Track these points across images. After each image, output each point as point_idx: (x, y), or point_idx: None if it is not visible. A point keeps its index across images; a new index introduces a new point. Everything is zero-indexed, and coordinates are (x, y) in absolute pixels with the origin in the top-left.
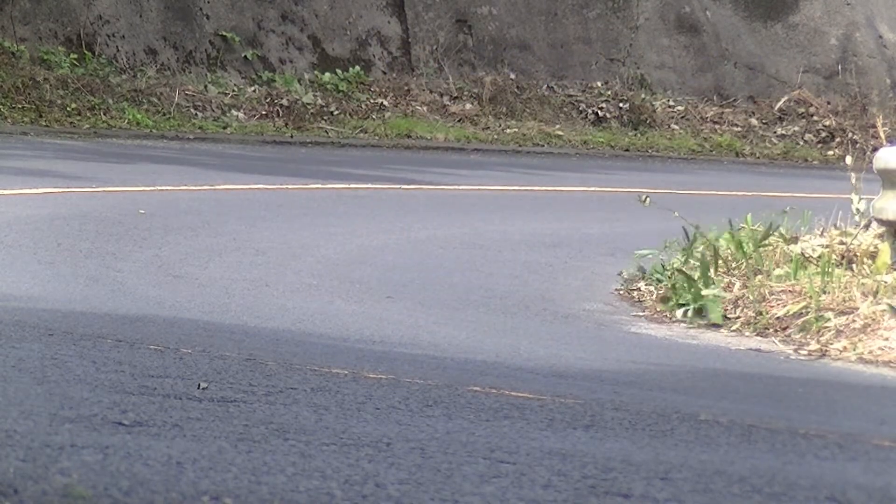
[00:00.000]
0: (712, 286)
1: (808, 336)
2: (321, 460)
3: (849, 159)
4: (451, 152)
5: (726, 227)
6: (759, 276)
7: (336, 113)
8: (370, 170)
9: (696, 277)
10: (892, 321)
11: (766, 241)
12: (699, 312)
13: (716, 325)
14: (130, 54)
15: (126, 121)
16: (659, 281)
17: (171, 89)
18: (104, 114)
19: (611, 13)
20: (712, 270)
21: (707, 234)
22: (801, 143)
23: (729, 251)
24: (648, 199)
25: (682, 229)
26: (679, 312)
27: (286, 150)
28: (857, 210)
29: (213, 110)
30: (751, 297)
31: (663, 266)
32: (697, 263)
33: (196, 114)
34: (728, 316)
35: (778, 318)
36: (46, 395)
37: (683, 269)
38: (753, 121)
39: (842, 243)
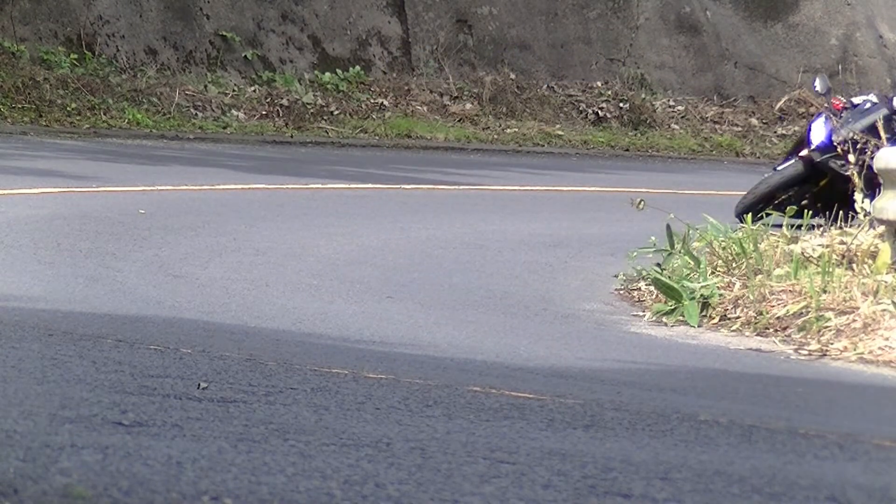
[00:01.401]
0: (696, 283)
1: (808, 336)
2: (321, 460)
3: (851, 158)
4: (451, 152)
5: (719, 227)
6: (759, 276)
7: (336, 113)
8: (370, 170)
9: (675, 283)
10: (892, 321)
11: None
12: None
13: (715, 325)
14: (130, 54)
15: (126, 121)
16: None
17: (171, 89)
18: (104, 114)
19: (611, 13)
20: (707, 268)
21: (703, 233)
22: None
23: (729, 251)
24: (643, 202)
25: (666, 231)
26: (667, 319)
27: (286, 150)
28: (861, 209)
29: (213, 110)
30: (751, 297)
31: (660, 267)
32: (686, 264)
33: (196, 114)
34: (728, 316)
35: (778, 318)
36: (46, 395)
37: (662, 276)
38: (753, 121)
39: (842, 243)
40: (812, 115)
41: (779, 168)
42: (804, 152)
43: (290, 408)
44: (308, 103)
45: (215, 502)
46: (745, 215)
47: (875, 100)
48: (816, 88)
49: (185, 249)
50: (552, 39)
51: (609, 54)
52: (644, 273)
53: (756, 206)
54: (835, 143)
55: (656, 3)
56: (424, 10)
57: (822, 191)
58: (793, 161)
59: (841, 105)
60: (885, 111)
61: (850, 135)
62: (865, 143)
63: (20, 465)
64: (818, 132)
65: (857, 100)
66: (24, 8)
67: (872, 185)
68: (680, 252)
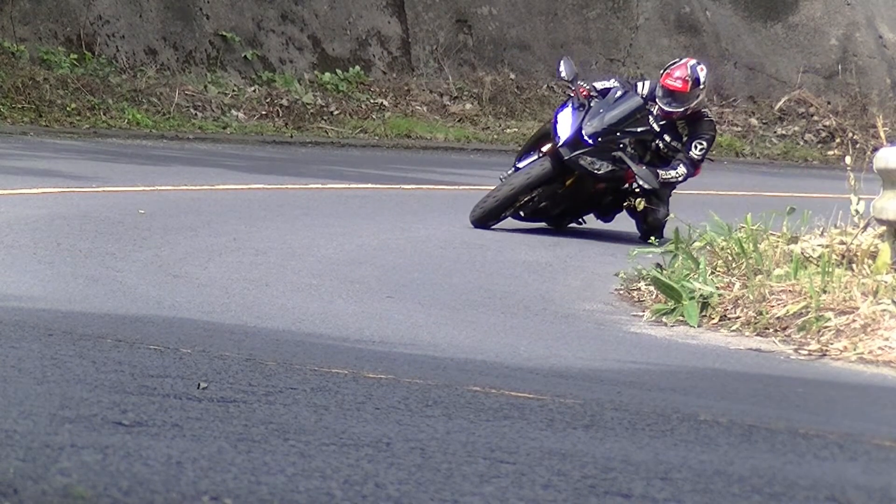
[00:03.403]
0: (696, 283)
1: (808, 336)
2: (321, 460)
3: (848, 159)
4: (451, 152)
5: (721, 226)
6: (759, 276)
7: (336, 113)
8: (370, 170)
9: (675, 284)
10: (892, 321)
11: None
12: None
13: (715, 325)
14: (130, 54)
15: (126, 121)
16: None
17: (170, 89)
18: (104, 114)
19: (611, 13)
20: (707, 268)
21: (703, 234)
22: (801, 143)
23: (729, 251)
24: (643, 202)
25: (674, 234)
26: (667, 319)
27: (286, 150)
28: (856, 211)
29: (213, 110)
30: (751, 297)
31: (660, 267)
32: (686, 264)
33: (196, 114)
34: (728, 316)
35: (778, 318)
36: (46, 395)
37: (662, 276)
38: (753, 121)
39: (842, 243)
40: (811, 115)
41: (521, 166)
42: (547, 147)
43: (290, 408)
44: (308, 103)
45: (215, 502)
46: (484, 221)
47: (618, 85)
48: (562, 74)
49: (185, 249)
50: (552, 39)
51: (609, 54)
52: (644, 273)
53: (498, 211)
54: (585, 137)
55: (656, 3)
56: (424, 10)
57: (567, 191)
58: (537, 158)
59: (587, 92)
60: (638, 100)
61: (603, 127)
62: (619, 137)
63: (20, 465)
64: (565, 124)
65: (599, 85)
66: (24, 8)
67: (621, 191)
68: (681, 253)
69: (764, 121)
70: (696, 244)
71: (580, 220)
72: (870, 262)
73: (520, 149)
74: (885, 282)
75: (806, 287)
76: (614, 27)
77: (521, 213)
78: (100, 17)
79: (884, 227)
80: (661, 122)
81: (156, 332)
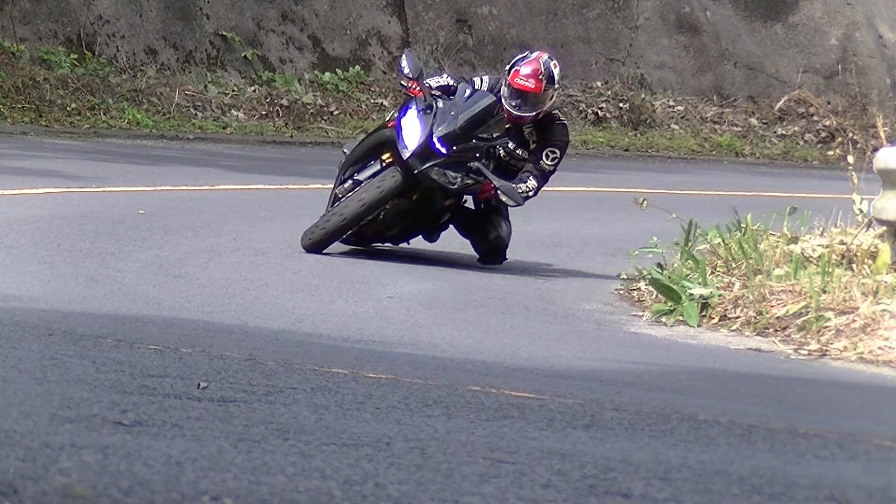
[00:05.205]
0: (696, 283)
1: (808, 336)
2: (321, 460)
3: (850, 159)
4: None
5: (723, 227)
6: (759, 276)
7: (336, 113)
8: None
9: (673, 284)
10: (892, 321)
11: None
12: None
13: (715, 325)
14: (130, 54)
15: (126, 121)
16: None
17: (170, 89)
18: (104, 114)
19: (611, 13)
20: (706, 268)
21: (706, 233)
22: (801, 143)
23: (729, 251)
24: (645, 201)
25: (681, 228)
26: (667, 319)
27: (286, 150)
28: (860, 210)
29: (213, 110)
30: (751, 297)
31: (660, 267)
32: (688, 264)
33: (196, 114)
34: (728, 316)
35: (778, 317)
36: (46, 395)
37: (662, 276)
38: (753, 121)
39: (842, 243)
40: (811, 115)
41: (361, 178)
42: (387, 155)
43: (290, 408)
44: (308, 103)
45: (215, 502)
46: (320, 245)
47: (453, 82)
48: (404, 70)
49: (185, 249)
50: (552, 39)
51: (609, 54)
52: (644, 273)
53: (342, 231)
54: (437, 145)
55: (656, 3)
56: (424, 10)
57: (413, 207)
58: (381, 168)
59: (430, 91)
60: (491, 97)
61: (456, 131)
62: (475, 145)
63: (20, 465)
64: (412, 131)
65: (435, 82)
66: (24, 8)
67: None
68: (683, 252)
69: (764, 121)
70: (700, 244)
71: (406, 241)
72: (870, 262)
73: (348, 157)
74: (885, 282)
75: (806, 287)
76: (614, 27)
77: (354, 234)
78: (100, 17)
79: (884, 227)
80: (506, 126)
81: (156, 332)
